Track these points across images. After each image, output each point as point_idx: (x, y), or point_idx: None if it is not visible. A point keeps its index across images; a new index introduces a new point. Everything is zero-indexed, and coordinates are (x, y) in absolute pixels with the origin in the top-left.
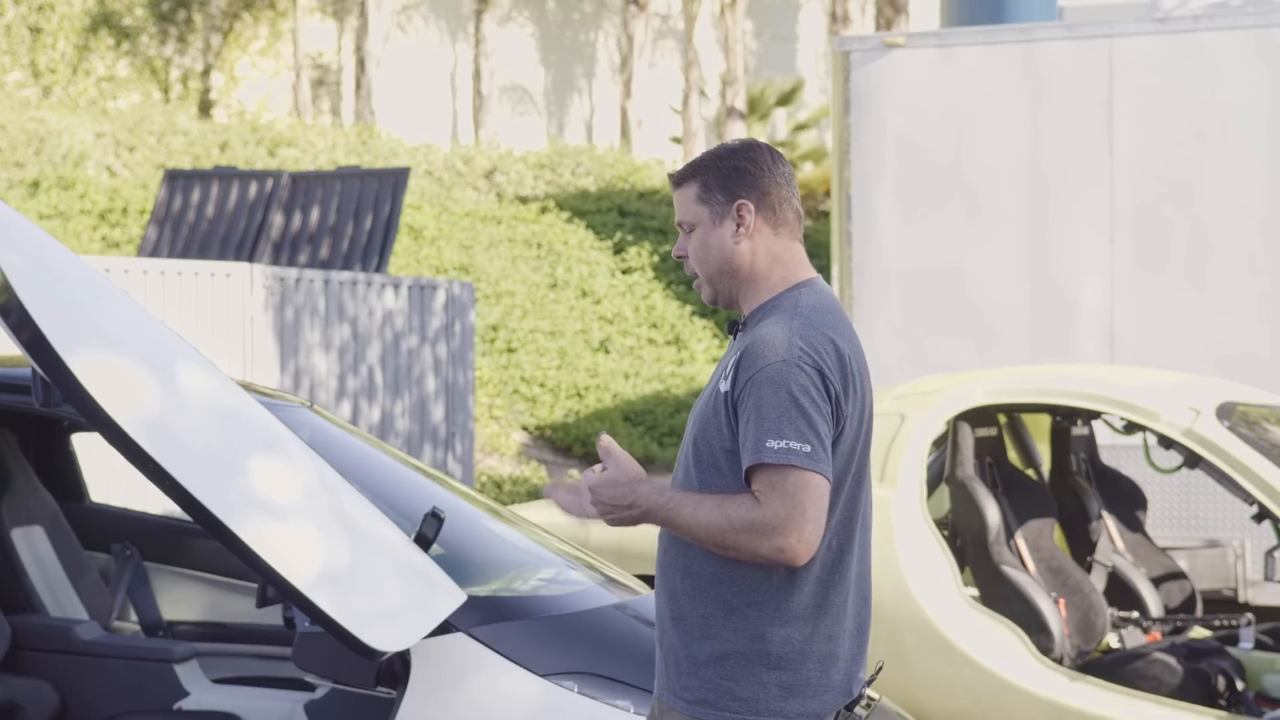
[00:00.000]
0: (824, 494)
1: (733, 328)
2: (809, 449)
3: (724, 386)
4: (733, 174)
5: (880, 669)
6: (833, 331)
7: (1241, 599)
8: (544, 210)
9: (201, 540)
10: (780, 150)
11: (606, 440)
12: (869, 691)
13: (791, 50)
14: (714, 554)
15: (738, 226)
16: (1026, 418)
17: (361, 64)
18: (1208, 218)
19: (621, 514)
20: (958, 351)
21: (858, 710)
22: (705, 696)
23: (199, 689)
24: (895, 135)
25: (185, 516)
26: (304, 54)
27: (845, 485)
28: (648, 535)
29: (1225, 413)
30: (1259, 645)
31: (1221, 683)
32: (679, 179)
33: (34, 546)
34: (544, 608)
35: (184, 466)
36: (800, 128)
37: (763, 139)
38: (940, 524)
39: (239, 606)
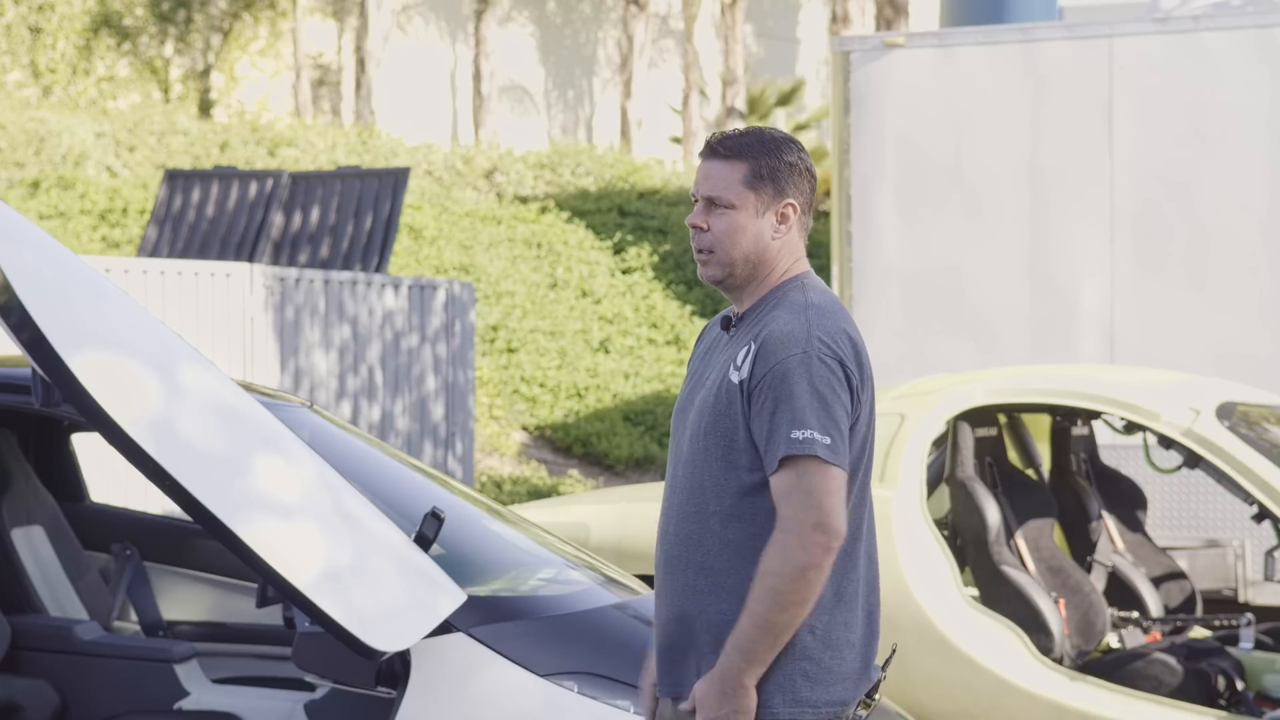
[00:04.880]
0: (841, 484)
1: (726, 323)
2: (829, 440)
3: (736, 376)
4: (787, 171)
5: (894, 651)
6: (845, 322)
7: (1241, 599)
8: (544, 210)
9: (201, 540)
10: None
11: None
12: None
13: (791, 50)
14: (727, 549)
15: (779, 223)
16: (1026, 418)
17: (361, 64)
18: (1208, 218)
19: (731, 704)
20: (958, 351)
21: (859, 711)
22: None
23: (199, 689)
24: (895, 135)
25: (185, 516)
26: (304, 54)
27: (858, 474)
28: (647, 534)
29: (1225, 413)
30: (1259, 645)
31: (1221, 683)
32: (727, 153)
33: (34, 546)
34: (544, 608)
35: (184, 467)
36: (800, 128)
37: None
38: (940, 524)
39: (239, 606)
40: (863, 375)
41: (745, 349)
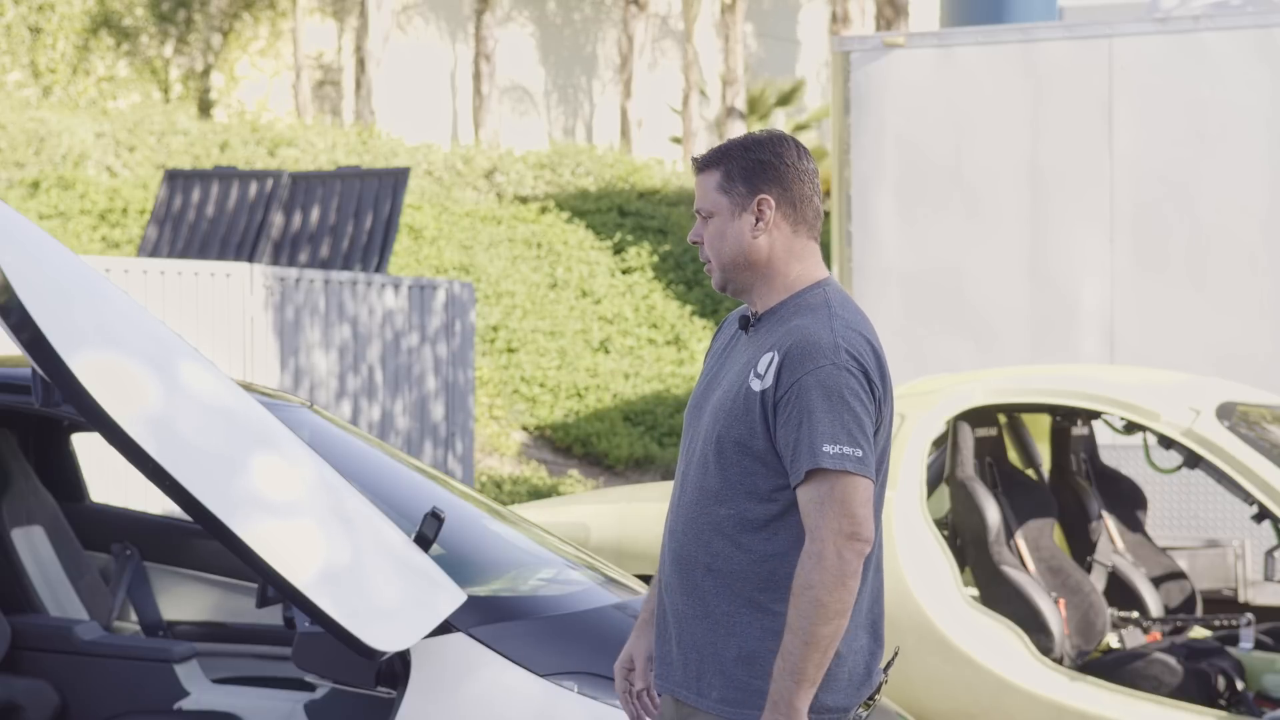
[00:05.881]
0: (870, 495)
1: (744, 323)
2: (861, 454)
3: (758, 385)
4: (757, 167)
5: (896, 654)
6: (868, 332)
7: (1241, 599)
8: (544, 210)
9: (201, 540)
10: None
11: None
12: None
13: (792, 51)
14: (737, 550)
15: (756, 220)
16: (1026, 418)
17: (361, 64)
18: (1208, 218)
19: None
20: (958, 351)
21: (859, 711)
22: (731, 695)
23: (199, 689)
24: (895, 135)
25: (185, 516)
26: (304, 54)
27: (876, 482)
28: (648, 534)
29: (1225, 413)
30: (1259, 645)
31: (1221, 683)
32: (702, 164)
33: (34, 546)
34: (544, 608)
35: (184, 466)
36: (800, 128)
37: None
38: (940, 524)
39: (239, 606)
40: (885, 386)
41: (768, 356)
